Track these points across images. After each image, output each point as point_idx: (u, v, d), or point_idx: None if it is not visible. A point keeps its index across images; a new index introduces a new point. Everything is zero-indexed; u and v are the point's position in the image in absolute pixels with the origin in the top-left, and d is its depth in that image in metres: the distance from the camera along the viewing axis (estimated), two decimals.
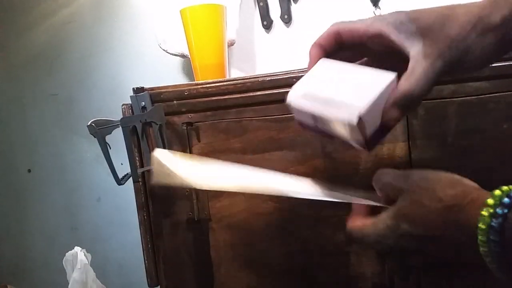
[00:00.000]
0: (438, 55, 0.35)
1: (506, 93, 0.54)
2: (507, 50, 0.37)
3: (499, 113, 0.54)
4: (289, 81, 0.61)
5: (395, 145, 0.58)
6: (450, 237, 0.35)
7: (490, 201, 0.32)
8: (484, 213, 0.32)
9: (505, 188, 0.33)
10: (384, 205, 0.40)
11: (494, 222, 0.31)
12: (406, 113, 0.40)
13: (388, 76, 0.37)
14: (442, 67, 0.36)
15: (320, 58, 0.41)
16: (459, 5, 0.36)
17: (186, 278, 0.70)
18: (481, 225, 0.32)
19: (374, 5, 0.95)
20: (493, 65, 0.53)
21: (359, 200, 0.42)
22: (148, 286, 0.71)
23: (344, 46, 0.41)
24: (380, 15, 0.39)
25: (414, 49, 0.36)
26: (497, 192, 0.33)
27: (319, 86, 0.40)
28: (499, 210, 0.31)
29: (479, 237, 0.32)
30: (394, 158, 0.58)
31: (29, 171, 1.35)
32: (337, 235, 0.62)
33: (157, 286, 0.71)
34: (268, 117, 0.63)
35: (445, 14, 0.36)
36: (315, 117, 0.40)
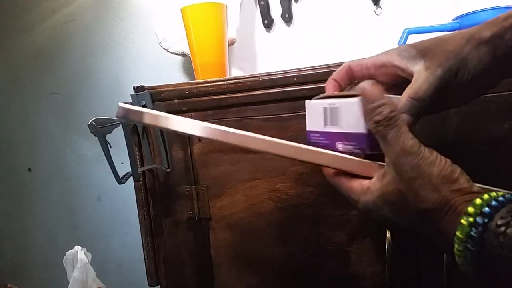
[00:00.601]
0: (437, 65, 0.39)
1: (507, 93, 0.54)
2: (504, 65, 0.39)
3: (499, 113, 0.54)
4: (289, 80, 0.61)
5: None
6: (429, 237, 0.36)
7: (471, 209, 0.32)
8: (464, 222, 0.32)
9: (485, 196, 0.32)
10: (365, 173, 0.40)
11: (474, 231, 0.31)
12: (415, 120, 0.40)
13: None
14: (442, 74, 0.38)
15: (335, 91, 0.46)
16: (454, 32, 0.40)
17: (186, 277, 0.70)
18: (459, 234, 0.31)
19: (375, 5, 0.95)
20: None
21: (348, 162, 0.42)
22: (148, 285, 0.71)
23: (355, 80, 0.46)
24: (385, 51, 0.43)
25: (416, 67, 0.40)
26: (478, 200, 0.32)
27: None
28: (479, 220, 0.31)
29: (456, 245, 0.32)
30: None
31: (29, 170, 1.36)
32: (337, 235, 0.62)
33: (157, 285, 0.71)
34: (269, 116, 0.63)
35: (441, 39, 0.40)
36: (326, 115, 0.43)
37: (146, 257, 0.70)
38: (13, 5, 1.28)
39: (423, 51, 0.40)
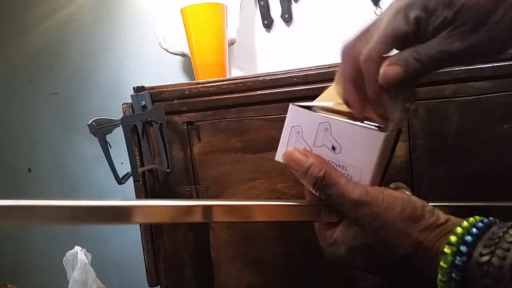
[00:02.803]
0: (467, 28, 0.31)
1: (506, 93, 0.54)
2: None
3: (499, 113, 0.54)
4: (289, 80, 0.61)
5: None
6: (407, 277, 0.34)
7: (453, 238, 0.31)
8: (447, 251, 0.31)
9: (465, 224, 0.31)
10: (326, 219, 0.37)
11: (458, 260, 0.30)
12: (409, 78, 0.33)
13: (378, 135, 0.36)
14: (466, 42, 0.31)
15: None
16: None
17: (186, 277, 0.70)
18: (443, 264, 0.31)
19: (374, 5, 0.95)
20: (493, 65, 0.53)
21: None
22: (148, 286, 0.71)
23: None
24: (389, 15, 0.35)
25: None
26: (459, 229, 0.31)
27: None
28: (462, 249, 0.30)
29: (439, 276, 0.31)
30: (394, 158, 0.58)
31: (29, 170, 1.35)
32: None
33: (157, 285, 0.71)
34: (269, 117, 0.63)
35: None
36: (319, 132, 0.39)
37: (146, 258, 0.70)
38: (13, 5, 1.28)
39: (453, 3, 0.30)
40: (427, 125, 0.57)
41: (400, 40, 0.33)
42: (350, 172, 0.37)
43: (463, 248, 0.30)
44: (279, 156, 0.40)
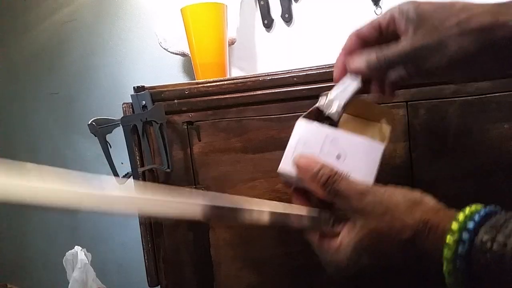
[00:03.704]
0: (418, 39, 0.37)
1: (507, 93, 0.54)
2: (495, 58, 0.36)
3: (499, 113, 0.54)
4: (289, 80, 0.61)
5: (395, 145, 0.58)
6: (414, 266, 0.35)
7: (455, 226, 0.31)
8: (449, 241, 0.31)
9: (467, 211, 0.32)
10: (330, 227, 0.40)
11: (460, 249, 0.30)
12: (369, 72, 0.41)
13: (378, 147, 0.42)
14: (415, 49, 0.37)
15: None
16: (460, 2, 0.37)
17: (186, 277, 0.70)
18: (446, 254, 0.31)
19: (375, 5, 0.95)
20: None
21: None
22: (148, 286, 0.71)
23: (367, 45, 0.43)
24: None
25: (407, 32, 0.38)
26: (461, 216, 0.32)
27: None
28: (464, 236, 0.31)
29: (445, 265, 0.31)
30: (394, 158, 0.58)
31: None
32: None
33: (157, 285, 0.71)
34: (269, 117, 0.63)
35: (441, 6, 0.37)
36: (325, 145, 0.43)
37: (146, 257, 0.70)
38: (13, 5, 1.28)
39: (420, 16, 0.37)
40: (427, 125, 0.57)
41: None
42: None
43: (464, 235, 0.31)
44: (282, 168, 0.43)
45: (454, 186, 0.56)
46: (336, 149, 0.41)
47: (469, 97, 0.55)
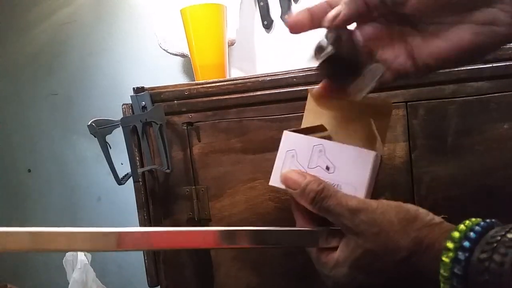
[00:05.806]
0: None
1: (506, 93, 0.54)
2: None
3: (499, 113, 0.54)
4: (289, 81, 0.61)
5: (395, 145, 0.58)
6: (412, 284, 0.35)
7: (450, 244, 0.31)
8: (445, 259, 0.31)
9: (461, 227, 0.32)
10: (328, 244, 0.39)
11: (457, 269, 0.30)
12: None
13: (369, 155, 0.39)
14: None
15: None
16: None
17: (186, 278, 0.70)
18: (443, 272, 0.31)
19: None
20: (493, 65, 0.53)
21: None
22: (148, 286, 0.71)
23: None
24: None
25: None
26: (456, 234, 0.31)
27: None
28: (460, 255, 0.30)
29: (442, 284, 0.31)
30: (394, 158, 0.58)
31: (29, 171, 1.35)
32: None
33: (157, 285, 0.71)
34: (269, 117, 0.63)
35: None
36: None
37: (146, 258, 0.70)
38: (13, 5, 1.28)
39: None
40: (427, 125, 0.57)
41: None
42: (344, 190, 0.39)
43: (460, 255, 0.30)
44: (273, 181, 0.42)
45: (454, 186, 0.56)
46: (325, 161, 0.40)
47: (469, 97, 0.55)
